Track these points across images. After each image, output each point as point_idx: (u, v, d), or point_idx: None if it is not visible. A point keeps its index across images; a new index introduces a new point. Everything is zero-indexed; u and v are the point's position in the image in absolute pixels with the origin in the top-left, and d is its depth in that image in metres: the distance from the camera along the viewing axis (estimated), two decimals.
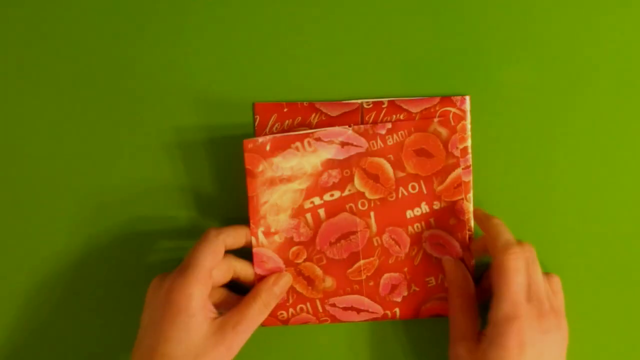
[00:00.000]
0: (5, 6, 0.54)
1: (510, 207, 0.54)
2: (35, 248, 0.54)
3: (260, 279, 0.53)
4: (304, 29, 0.54)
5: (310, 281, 0.53)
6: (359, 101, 0.54)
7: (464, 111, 0.54)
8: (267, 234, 0.53)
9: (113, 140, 0.54)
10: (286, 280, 0.53)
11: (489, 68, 0.54)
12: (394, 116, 0.54)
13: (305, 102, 0.54)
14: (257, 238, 0.53)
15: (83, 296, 0.54)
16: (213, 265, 0.49)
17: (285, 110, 0.54)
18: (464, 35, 0.54)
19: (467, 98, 0.54)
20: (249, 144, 0.52)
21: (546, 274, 0.51)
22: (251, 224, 0.53)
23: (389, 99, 0.54)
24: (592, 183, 0.54)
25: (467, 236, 0.53)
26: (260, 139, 0.52)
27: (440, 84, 0.54)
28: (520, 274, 0.48)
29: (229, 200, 0.54)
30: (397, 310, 0.53)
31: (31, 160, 0.54)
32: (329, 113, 0.54)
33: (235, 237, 0.51)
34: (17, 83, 0.54)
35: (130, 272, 0.54)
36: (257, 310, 0.50)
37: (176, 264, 0.50)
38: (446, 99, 0.54)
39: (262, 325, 0.52)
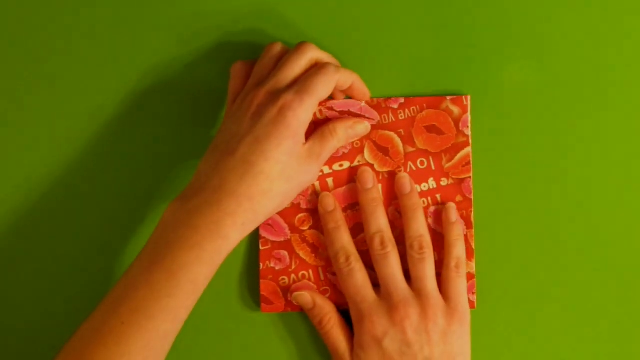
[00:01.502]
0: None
1: (511, 207, 0.54)
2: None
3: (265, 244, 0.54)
4: (304, 29, 0.54)
5: (314, 248, 0.54)
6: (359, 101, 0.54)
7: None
8: None
9: (111, 140, 0.54)
10: (365, 127, 0.53)
11: (489, 68, 0.54)
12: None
13: None
14: None
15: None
16: (325, 97, 0.49)
17: None
18: (464, 35, 0.54)
19: (467, 98, 0.54)
20: None
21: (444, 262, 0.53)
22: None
23: (389, 97, 0.54)
24: (592, 182, 0.54)
25: (472, 215, 0.54)
26: None
27: (440, 84, 0.54)
28: (356, 275, 0.51)
29: None
30: None
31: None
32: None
33: (346, 79, 0.51)
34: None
35: None
36: (334, 145, 0.51)
37: None
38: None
39: (263, 310, 0.54)
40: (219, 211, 0.45)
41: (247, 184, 0.46)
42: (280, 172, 0.47)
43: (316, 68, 0.49)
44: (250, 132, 0.47)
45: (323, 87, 0.48)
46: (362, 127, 0.53)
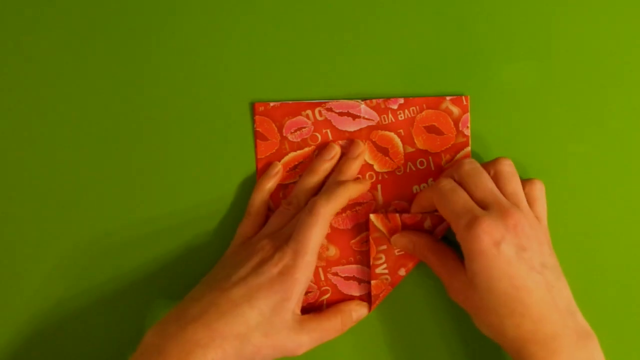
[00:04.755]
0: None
1: None
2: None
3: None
4: (303, 29, 0.54)
5: None
6: (359, 101, 0.54)
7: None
8: (274, 198, 0.54)
9: (111, 139, 0.55)
10: (363, 312, 0.53)
11: (489, 68, 0.54)
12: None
13: (303, 101, 0.54)
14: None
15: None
16: (321, 241, 0.50)
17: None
18: (463, 35, 0.54)
19: (467, 98, 0.54)
20: (260, 107, 0.54)
21: (526, 180, 0.51)
22: (259, 187, 0.54)
23: (389, 98, 0.54)
24: (592, 182, 0.54)
25: None
26: (272, 104, 0.54)
27: (440, 84, 0.54)
28: (458, 192, 0.48)
29: (222, 204, 0.55)
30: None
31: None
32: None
33: (339, 208, 0.51)
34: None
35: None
36: (333, 325, 0.51)
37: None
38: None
39: None
40: (191, 341, 0.45)
41: (224, 322, 0.46)
42: (259, 323, 0.47)
43: (307, 214, 0.49)
44: (245, 279, 0.48)
45: (318, 240, 0.49)
46: (363, 312, 0.53)
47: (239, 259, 0.50)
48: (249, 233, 0.53)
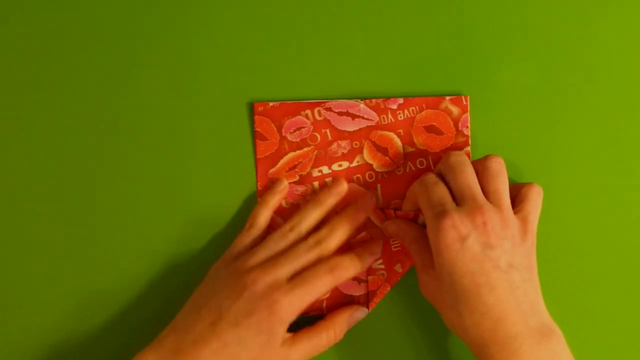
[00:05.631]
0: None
1: None
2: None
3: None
4: (302, 29, 0.55)
5: None
6: (358, 101, 0.54)
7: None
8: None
9: (110, 139, 0.55)
10: (362, 313, 0.53)
11: (489, 68, 0.54)
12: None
13: (302, 101, 0.54)
14: None
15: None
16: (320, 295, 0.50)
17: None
18: (463, 35, 0.54)
19: (467, 98, 0.54)
20: (259, 107, 0.54)
21: (525, 183, 0.50)
22: (258, 187, 0.54)
23: (388, 98, 0.54)
24: (592, 183, 0.54)
25: None
26: (271, 103, 0.54)
27: (440, 84, 0.54)
28: (438, 185, 0.49)
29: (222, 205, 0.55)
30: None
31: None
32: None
33: (356, 270, 0.51)
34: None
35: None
36: (325, 341, 0.51)
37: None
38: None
39: None
40: None
41: (216, 358, 0.47)
42: (249, 358, 0.47)
43: (329, 271, 0.49)
44: (236, 315, 0.47)
45: (323, 292, 0.49)
46: (361, 314, 0.53)
47: (232, 284, 0.49)
48: (246, 247, 0.52)
